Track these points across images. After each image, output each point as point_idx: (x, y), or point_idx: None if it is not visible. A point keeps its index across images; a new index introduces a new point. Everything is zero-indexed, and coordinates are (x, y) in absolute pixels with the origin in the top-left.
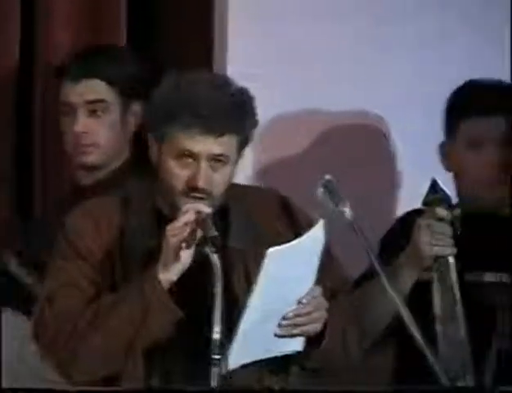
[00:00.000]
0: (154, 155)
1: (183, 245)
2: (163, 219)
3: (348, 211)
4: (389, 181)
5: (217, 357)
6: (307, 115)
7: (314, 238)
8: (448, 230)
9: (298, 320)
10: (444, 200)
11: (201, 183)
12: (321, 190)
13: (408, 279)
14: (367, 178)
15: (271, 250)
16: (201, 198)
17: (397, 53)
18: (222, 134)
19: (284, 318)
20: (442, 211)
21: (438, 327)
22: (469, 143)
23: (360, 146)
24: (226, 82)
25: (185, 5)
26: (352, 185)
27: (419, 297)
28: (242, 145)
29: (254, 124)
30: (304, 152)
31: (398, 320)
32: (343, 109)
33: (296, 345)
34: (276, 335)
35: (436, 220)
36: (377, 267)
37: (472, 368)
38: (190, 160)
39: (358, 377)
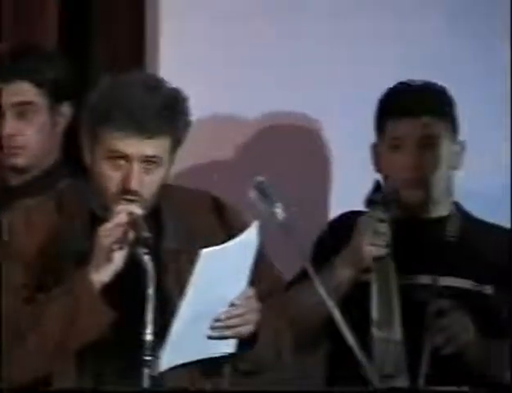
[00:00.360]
0: (88, 156)
1: (115, 246)
2: (96, 220)
3: (280, 212)
4: (323, 182)
5: (149, 358)
6: (239, 116)
7: (248, 240)
8: (388, 231)
9: (231, 322)
10: (386, 201)
11: (133, 185)
12: (253, 191)
13: (346, 280)
14: (300, 180)
15: (204, 251)
16: (133, 200)
17: (333, 54)
18: (154, 136)
19: (216, 320)
20: (381, 212)
21: (374, 329)
22: (391, 144)
23: (293, 147)
24: (158, 83)
25: (117, 5)
26: (285, 186)
27: (360, 298)
28: (175, 146)
29: (187, 124)
30: (238, 153)
31: (331, 321)
32: (276, 110)
33: (228, 346)
34: (208, 336)
35: (377, 221)
36: (309, 268)
37: (406, 369)
38: (122, 161)
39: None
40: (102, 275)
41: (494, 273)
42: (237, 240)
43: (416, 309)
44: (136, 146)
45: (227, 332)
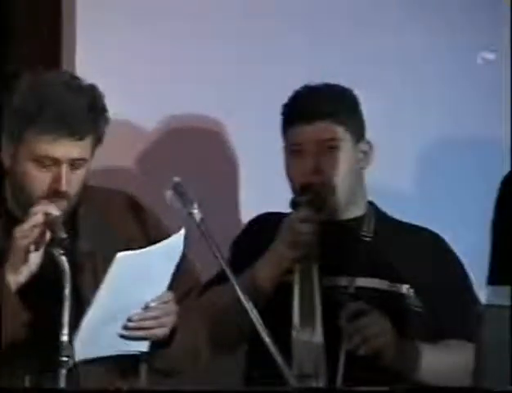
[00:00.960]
0: (8, 157)
1: (32, 247)
2: (14, 220)
3: (197, 213)
4: (234, 184)
5: (65, 359)
6: (152, 118)
7: (172, 246)
8: (312, 232)
9: (145, 323)
10: (311, 202)
11: (64, 187)
12: (170, 192)
13: (268, 280)
14: (213, 181)
15: (120, 254)
16: (59, 202)
17: (241, 54)
18: (83, 137)
19: (129, 320)
20: (307, 213)
21: (295, 329)
22: (292, 149)
23: (205, 149)
24: (80, 82)
25: (33, 5)
26: (198, 187)
27: (282, 299)
28: (96, 144)
29: (107, 121)
30: (153, 155)
31: (250, 322)
32: (184, 111)
33: (142, 345)
34: (121, 336)
35: (300, 222)
36: (226, 269)
37: (325, 369)
38: (49, 163)
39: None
40: (18, 275)
41: (410, 273)
42: (161, 245)
43: (334, 310)
44: (65, 149)
45: (140, 333)
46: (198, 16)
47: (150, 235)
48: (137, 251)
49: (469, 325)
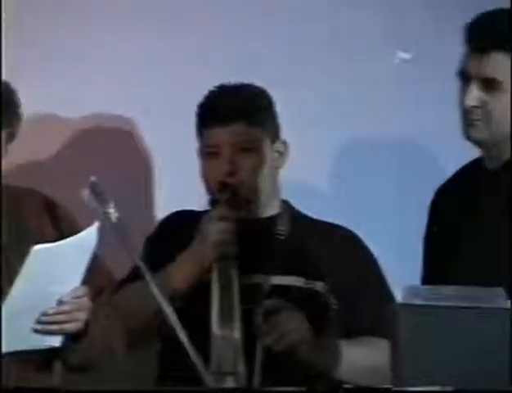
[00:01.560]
0: None
1: None
2: None
3: (113, 212)
4: (148, 183)
5: None
6: (69, 117)
7: (85, 240)
8: (231, 230)
9: (58, 318)
10: (229, 200)
11: None
12: (86, 191)
13: (186, 279)
14: (128, 181)
15: (35, 247)
16: None
17: (165, 53)
18: None
19: (43, 314)
20: (225, 211)
21: (214, 327)
22: (207, 151)
23: (120, 148)
24: None
25: None
26: (114, 187)
27: (201, 298)
28: (8, 140)
29: (19, 117)
30: (69, 154)
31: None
32: (100, 110)
33: (55, 340)
34: (34, 330)
35: (220, 220)
36: (141, 266)
37: (244, 368)
38: None
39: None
40: None
41: (325, 270)
42: (74, 239)
43: (252, 308)
44: None
45: (53, 327)
46: (112, 15)
47: (64, 231)
48: (52, 244)
49: (384, 323)
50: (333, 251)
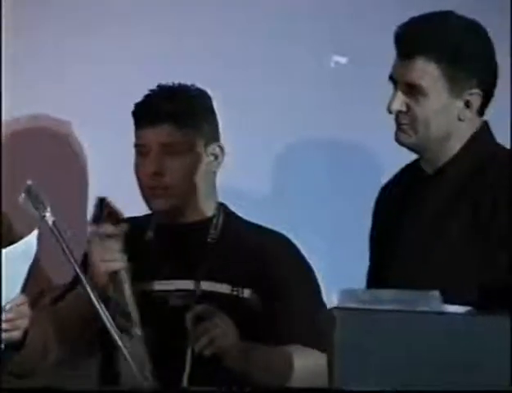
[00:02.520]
0: None
1: None
2: None
3: (49, 216)
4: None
5: None
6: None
7: (26, 247)
8: (117, 245)
9: (2, 326)
10: (111, 215)
11: None
12: (23, 195)
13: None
14: (64, 183)
15: None
16: None
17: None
18: None
19: None
20: (108, 228)
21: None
22: (137, 151)
23: (56, 150)
24: None
25: None
26: (53, 189)
27: None
28: None
29: None
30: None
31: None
32: (35, 113)
33: None
34: None
35: (105, 237)
36: (78, 272)
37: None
38: None
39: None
40: None
41: (254, 276)
42: (15, 246)
43: (178, 314)
44: None
45: None
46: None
47: (3, 238)
48: None
49: (314, 331)
50: (264, 256)
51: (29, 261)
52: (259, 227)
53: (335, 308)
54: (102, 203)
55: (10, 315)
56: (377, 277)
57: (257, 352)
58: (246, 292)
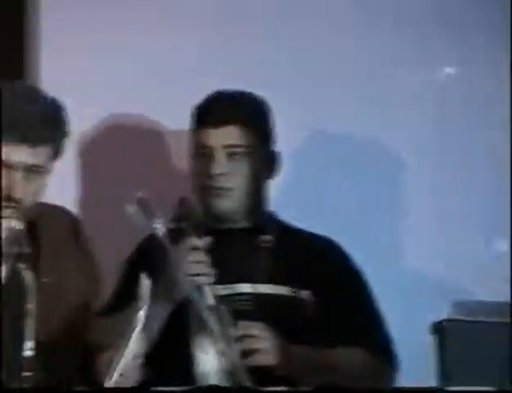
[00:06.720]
0: None
1: None
2: None
3: (159, 227)
4: None
5: (28, 374)
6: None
7: None
8: (204, 258)
9: None
10: (196, 224)
11: (16, 193)
12: (133, 206)
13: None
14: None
15: None
16: (13, 208)
17: None
18: (37, 145)
19: None
20: (195, 240)
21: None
22: (199, 152)
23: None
24: (38, 93)
25: None
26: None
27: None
28: (55, 155)
29: (67, 134)
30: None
31: None
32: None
33: None
34: None
35: (190, 249)
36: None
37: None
38: (4, 169)
39: None
40: None
41: (310, 279)
42: None
43: (236, 318)
44: (20, 155)
45: None
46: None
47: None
48: None
49: (369, 335)
50: (321, 260)
51: None
52: (311, 232)
53: (446, 320)
54: (184, 202)
55: None
56: None
57: (309, 356)
58: (304, 294)
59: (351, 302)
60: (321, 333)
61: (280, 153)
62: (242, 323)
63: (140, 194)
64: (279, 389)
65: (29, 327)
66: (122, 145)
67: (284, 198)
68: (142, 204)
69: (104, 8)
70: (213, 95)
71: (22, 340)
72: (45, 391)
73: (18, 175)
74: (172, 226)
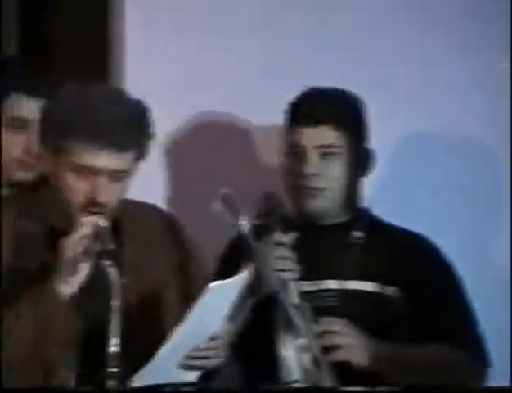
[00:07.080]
0: (48, 167)
1: (81, 258)
2: (56, 231)
3: (244, 224)
4: None
5: (114, 370)
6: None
7: (241, 280)
8: (290, 254)
9: (207, 353)
10: (282, 220)
11: (101, 198)
12: (218, 203)
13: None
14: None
15: (212, 284)
16: (100, 212)
17: None
18: (123, 150)
19: (195, 349)
20: (280, 236)
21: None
22: (292, 151)
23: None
24: (123, 95)
25: (80, 14)
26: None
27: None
28: (139, 158)
29: (152, 137)
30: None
31: None
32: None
33: (193, 376)
34: (181, 364)
35: (276, 245)
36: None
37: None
38: (89, 174)
39: None
40: (69, 287)
41: (400, 276)
42: (235, 278)
43: (323, 314)
44: (105, 160)
45: (198, 362)
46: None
47: (183, 255)
48: (225, 282)
49: (458, 332)
50: (410, 256)
51: (237, 293)
52: (403, 229)
53: None
54: (270, 197)
55: (215, 343)
56: None
57: (396, 352)
58: (392, 290)
59: (442, 298)
60: (411, 330)
61: (373, 151)
62: (324, 319)
63: (224, 190)
64: (362, 389)
65: (114, 323)
66: (209, 143)
67: (378, 194)
68: (227, 200)
69: (187, 8)
70: (307, 92)
71: (107, 336)
72: (48, 392)
73: (103, 180)
74: (258, 222)
